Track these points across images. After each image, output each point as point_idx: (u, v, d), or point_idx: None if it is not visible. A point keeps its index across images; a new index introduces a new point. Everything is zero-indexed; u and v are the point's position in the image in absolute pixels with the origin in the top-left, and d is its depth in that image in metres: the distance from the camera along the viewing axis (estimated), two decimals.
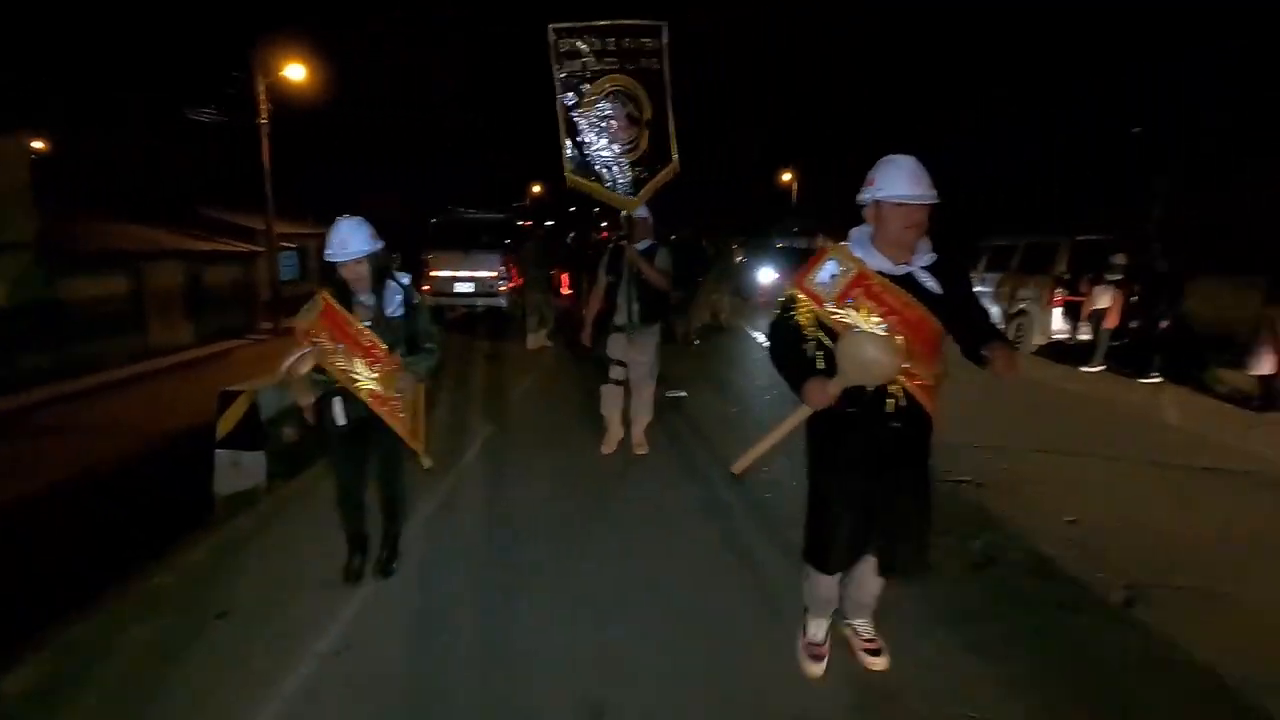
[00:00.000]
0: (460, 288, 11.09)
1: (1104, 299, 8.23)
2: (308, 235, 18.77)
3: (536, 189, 41.82)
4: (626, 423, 4.93)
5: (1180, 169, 13.11)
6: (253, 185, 15.81)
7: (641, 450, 4.85)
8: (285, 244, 17.76)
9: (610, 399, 4.86)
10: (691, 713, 2.24)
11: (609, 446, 4.89)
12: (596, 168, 4.28)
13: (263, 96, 15.22)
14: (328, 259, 2.76)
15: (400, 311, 2.84)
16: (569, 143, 4.26)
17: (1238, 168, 13.73)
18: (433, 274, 11.05)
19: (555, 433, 5.50)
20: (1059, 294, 9.51)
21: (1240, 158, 13.90)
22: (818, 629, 2.46)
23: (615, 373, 4.76)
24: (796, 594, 2.54)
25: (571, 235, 18.90)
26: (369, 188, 23.92)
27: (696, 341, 9.54)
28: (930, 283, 2.06)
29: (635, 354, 4.66)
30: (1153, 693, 2.37)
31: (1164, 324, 7.95)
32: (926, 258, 2.11)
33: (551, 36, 4.27)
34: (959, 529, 3.58)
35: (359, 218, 2.79)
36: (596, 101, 4.29)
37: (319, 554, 3.23)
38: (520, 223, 13.92)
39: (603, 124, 4.30)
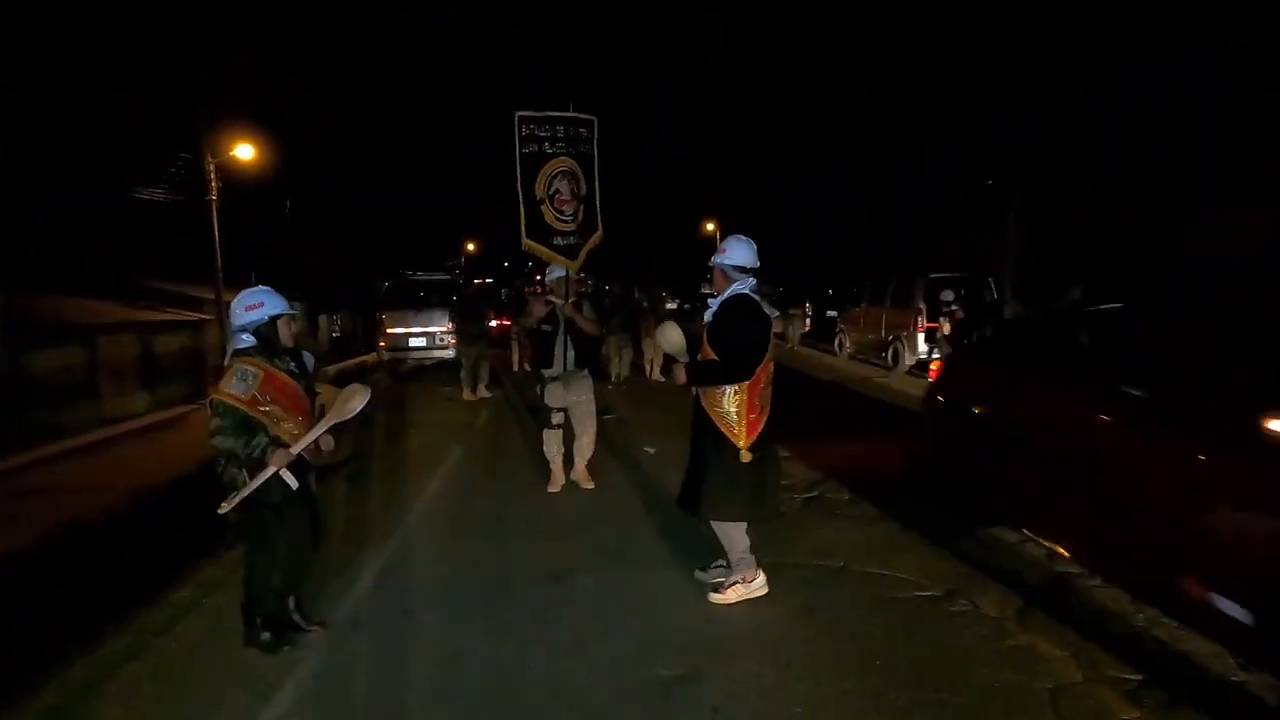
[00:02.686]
0: (414, 342, 12.41)
1: (946, 326, 10.34)
2: None
3: (470, 246, 43.04)
4: (568, 460, 5.40)
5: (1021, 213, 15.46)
6: (201, 256, 16.72)
7: (589, 484, 5.32)
8: None
9: (552, 442, 5.28)
10: None
11: (554, 486, 5.30)
12: (545, 234, 5.21)
13: (212, 175, 16.32)
14: (274, 315, 2.94)
15: (312, 365, 3.18)
16: (525, 211, 5.15)
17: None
18: (388, 331, 12.33)
19: (505, 469, 6.16)
20: (921, 323, 11.70)
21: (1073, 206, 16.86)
22: None
23: (555, 418, 5.17)
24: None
25: (505, 291, 19.93)
26: (311, 252, 24.87)
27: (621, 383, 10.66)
28: (708, 315, 3.37)
29: (573, 396, 5.15)
30: (891, 547, 4.03)
31: None
32: (715, 302, 3.36)
33: (517, 122, 5.17)
34: (807, 477, 5.25)
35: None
36: (550, 179, 5.25)
37: None
38: (461, 280, 15.39)
39: (552, 198, 5.25)
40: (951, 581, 3.57)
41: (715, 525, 3.36)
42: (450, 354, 12.45)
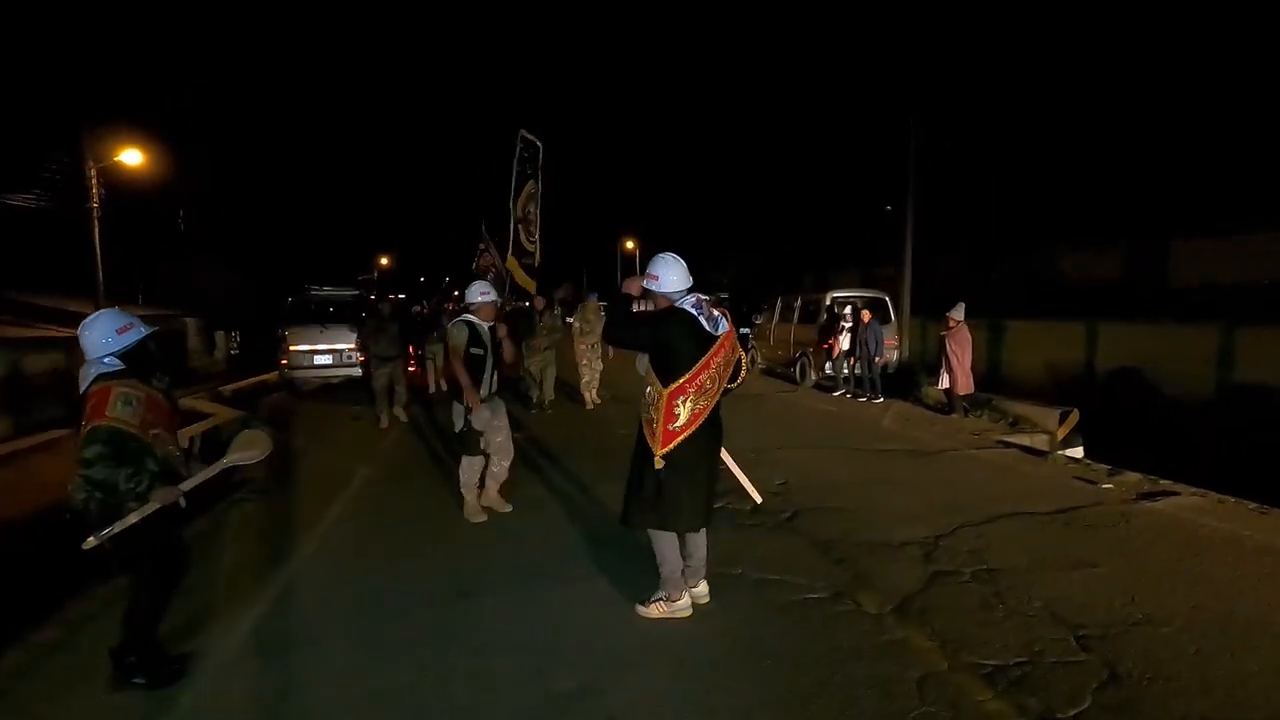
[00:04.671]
0: (319, 360, 11.91)
1: (844, 341, 10.91)
2: (141, 317, 18.28)
3: (384, 260, 41.76)
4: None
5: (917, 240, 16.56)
6: (82, 268, 15.47)
7: (506, 508, 5.21)
8: None
9: (474, 470, 5.05)
10: None
11: (477, 517, 5.05)
12: (521, 254, 5.35)
13: (94, 181, 15.17)
14: (144, 334, 2.92)
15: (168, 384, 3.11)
16: (512, 230, 5.26)
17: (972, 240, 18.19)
18: (291, 349, 11.78)
19: (412, 492, 6.12)
20: (830, 339, 12.26)
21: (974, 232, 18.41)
22: None
23: (483, 443, 4.98)
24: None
25: (419, 308, 18.14)
26: (204, 265, 23.46)
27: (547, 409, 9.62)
28: None
29: (497, 421, 5.01)
30: (786, 555, 4.24)
31: (878, 359, 10.70)
32: None
33: (520, 141, 5.25)
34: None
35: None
36: (527, 200, 5.49)
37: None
38: (371, 297, 14.93)
39: (525, 220, 5.42)
40: (839, 584, 3.80)
41: (652, 536, 3.37)
42: (359, 372, 12.03)
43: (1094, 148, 16.74)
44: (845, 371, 11.13)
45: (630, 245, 39.46)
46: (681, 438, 3.20)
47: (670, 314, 3.28)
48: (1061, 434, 8.35)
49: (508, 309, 7.59)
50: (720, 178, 31.53)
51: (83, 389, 2.83)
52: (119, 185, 16.40)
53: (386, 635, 3.36)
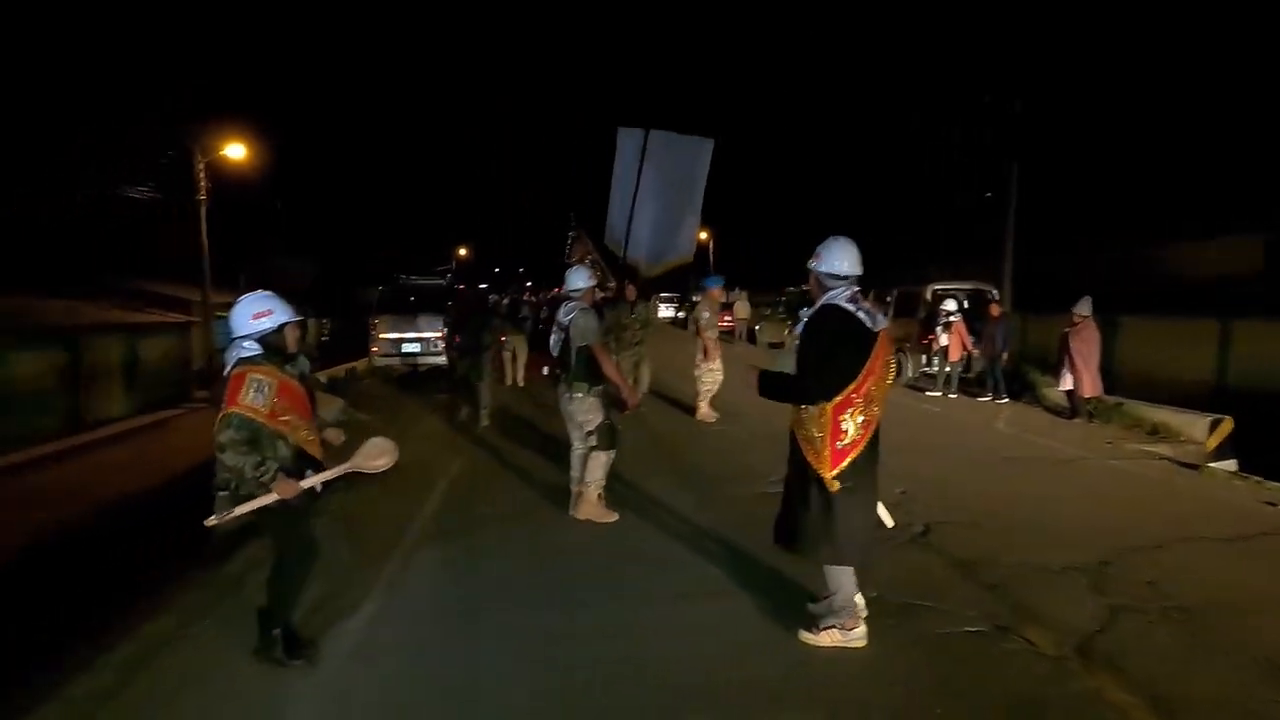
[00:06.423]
0: (407, 348, 12.09)
1: (944, 338, 10.14)
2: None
3: (462, 251, 42.67)
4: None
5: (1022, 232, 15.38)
6: (185, 255, 16.34)
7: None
8: (219, 313, 18.14)
9: (607, 467, 4.73)
10: None
11: (608, 517, 4.75)
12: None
13: (201, 174, 15.93)
14: (281, 322, 2.83)
15: (307, 370, 3.06)
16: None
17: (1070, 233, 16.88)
18: (381, 336, 11.99)
19: (506, 486, 6.28)
20: (931, 335, 11.48)
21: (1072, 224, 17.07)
22: None
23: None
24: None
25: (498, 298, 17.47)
26: (294, 254, 24.49)
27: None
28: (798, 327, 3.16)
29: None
30: (925, 576, 3.78)
31: (1004, 356, 9.89)
32: (807, 311, 3.15)
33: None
34: None
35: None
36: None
37: None
38: (459, 286, 15.09)
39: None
40: (998, 615, 3.32)
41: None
42: (444, 360, 12.13)
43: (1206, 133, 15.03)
44: (948, 369, 10.37)
45: (704, 235, 38.79)
46: (852, 455, 2.82)
47: (825, 319, 2.89)
48: (1212, 444, 7.43)
49: (602, 297, 7.28)
50: (802, 165, 30.52)
51: (225, 371, 2.85)
52: (225, 177, 17.21)
53: (495, 654, 3.11)
